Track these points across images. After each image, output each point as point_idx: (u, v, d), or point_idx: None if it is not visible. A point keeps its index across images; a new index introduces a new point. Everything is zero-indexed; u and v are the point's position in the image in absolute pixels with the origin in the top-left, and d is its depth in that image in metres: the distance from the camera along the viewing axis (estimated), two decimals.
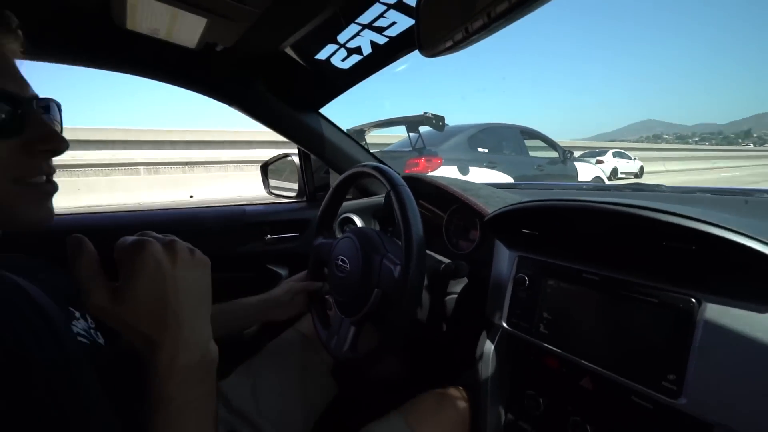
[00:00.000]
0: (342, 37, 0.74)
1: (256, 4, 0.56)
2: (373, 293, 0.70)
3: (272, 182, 1.37)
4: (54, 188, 0.43)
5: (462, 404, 0.72)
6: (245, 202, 1.17)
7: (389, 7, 0.64)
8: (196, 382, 0.36)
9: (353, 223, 1.10)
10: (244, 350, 1.15)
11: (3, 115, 0.36)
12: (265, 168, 1.37)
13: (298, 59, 0.84)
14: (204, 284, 0.39)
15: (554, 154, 5.47)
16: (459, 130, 4.70)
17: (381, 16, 0.66)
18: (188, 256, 0.37)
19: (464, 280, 0.80)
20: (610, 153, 15.02)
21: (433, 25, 0.47)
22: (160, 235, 0.38)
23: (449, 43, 0.46)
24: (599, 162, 13.05)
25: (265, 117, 0.96)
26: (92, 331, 0.56)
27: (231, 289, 1.11)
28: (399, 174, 0.71)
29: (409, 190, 0.66)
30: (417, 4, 0.47)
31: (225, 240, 1.09)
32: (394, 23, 0.67)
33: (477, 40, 0.44)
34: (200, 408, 0.36)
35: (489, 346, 0.70)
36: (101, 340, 0.58)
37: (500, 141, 4.98)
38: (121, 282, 0.34)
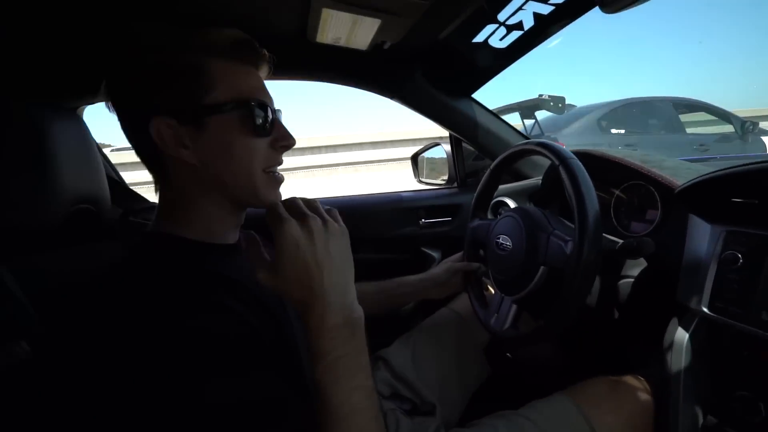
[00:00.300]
0: (502, 15, 0.74)
1: None
2: (539, 271, 0.69)
3: (422, 172, 1.45)
4: (282, 178, 0.55)
5: (643, 396, 0.65)
6: (402, 190, 1.28)
7: None
8: (345, 338, 0.40)
9: (507, 206, 1.09)
10: (401, 326, 1.25)
11: (263, 120, 0.48)
12: (416, 158, 1.46)
13: (455, 45, 0.87)
14: (341, 252, 0.42)
15: (728, 128, 4.22)
16: (587, 111, 4.00)
17: None
18: (322, 230, 0.42)
19: (642, 263, 0.72)
20: None
21: None
22: (302, 205, 0.43)
23: None
24: None
25: (422, 107, 1.03)
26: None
27: (388, 269, 1.22)
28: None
29: (579, 162, 0.63)
30: None
31: (384, 224, 1.21)
32: None
33: None
34: (352, 361, 0.40)
35: (682, 335, 0.61)
36: None
37: (644, 119, 4.08)
38: (275, 259, 0.41)
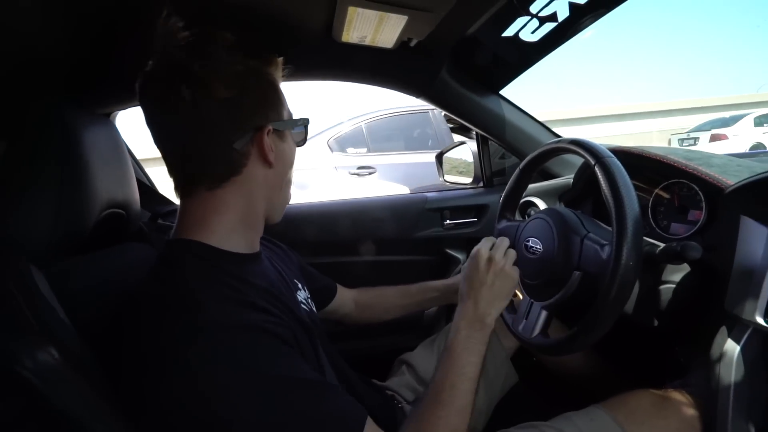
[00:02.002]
0: (535, 7, 0.71)
1: None
2: (572, 276, 0.65)
3: (447, 171, 1.43)
4: None
5: (689, 412, 0.61)
6: (426, 190, 1.26)
7: None
8: (476, 328, 0.60)
9: (536, 206, 1.05)
10: (425, 329, 1.24)
11: (303, 132, 0.59)
12: (440, 157, 1.43)
13: (484, 40, 0.85)
14: (501, 287, 0.63)
15: None
16: None
17: None
18: (500, 269, 0.63)
19: (684, 267, 0.67)
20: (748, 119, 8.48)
21: None
22: (506, 244, 0.68)
23: None
24: (716, 138, 7.76)
25: (449, 105, 1.01)
26: (309, 299, 0.70)
27: (412, 270, 1.21)
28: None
29: (617, 161, 0.59)
30: None
31: (408, 225, 1.19)
32: None
33: None
34: (475, 344, 0.59)
35: (732, 346, 0.57)
36: (314, 307, 0.71)
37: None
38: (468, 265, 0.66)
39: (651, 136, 10.43)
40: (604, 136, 9.43)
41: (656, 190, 0.79)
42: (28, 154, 0.53)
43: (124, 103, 0.88)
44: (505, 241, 0.68)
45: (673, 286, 0.67)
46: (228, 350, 0.42)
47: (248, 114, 0.51)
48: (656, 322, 0.70)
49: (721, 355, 0.58)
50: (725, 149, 6.90)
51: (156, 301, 0.47)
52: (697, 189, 0.69)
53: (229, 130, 0.50)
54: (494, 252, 0.65)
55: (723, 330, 0.60)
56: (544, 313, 0.71)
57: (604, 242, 0.60)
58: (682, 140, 8.10)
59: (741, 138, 7.79)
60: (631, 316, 0.71)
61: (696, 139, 7.95)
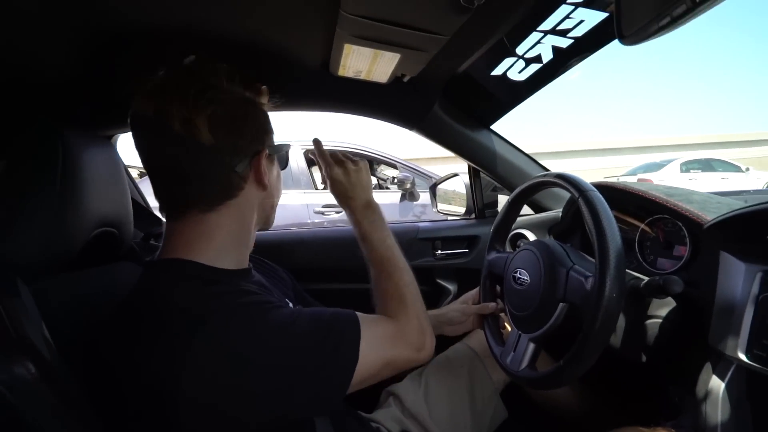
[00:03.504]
0: (521, 48, 0.75)
1: (446, 31, 0.63)
2: (558, 307, 0.66)
3: (440, 202, 1.45)
4: None
5: None
6: (418, 220, 1.27)
7: (577, 6, 0.62)
8: (370, 212, 0.69)
9: (525, 238, 1.06)
10: None
11: (285, 156, 0.65)
12: (434, 188, 1.46)
13: (474, 77, 0.89)
14: (360, 178, 0.70)
15: None
16: None
17: (567, 17, 0.65)
18: (350, 169, 0.70)
19: (670, 302, 0.68)
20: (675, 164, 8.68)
21: (636, 11, 0.44)
22: (340, 155, 0.72)
23: (653, 28, 0.43)
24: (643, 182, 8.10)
25: (441, 138, 1.04)
26: None
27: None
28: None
29: (600, 195, 0.61)
30: None
31: (408, 251, 1.19)
32: (581, 22, 0.65)
33: (683, 24, 0.40)
34: (380, 223, 0.69)
35: (717, 383, 0.57)
36: None
37: None
38: (330, 182, 0.71)
39: (588, 174, 10.94)
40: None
41: (642, 226, 0.81)
42: (26, 172, 0.54)
43: (126, 126, 0.91)
44: (337, 152, 0.74)
45: (660, 320, 0.67)
46: (227, 335, 0.45)
47: (248, 140, 0.54)
48: (644, 358, 0.70)
49: (707, 393, 0.57)
50: None
51: (148, 318, 0.47)
52: (681, 225, 0.71)
53: (231, 156, 0.52)
54: (339, 162, 0.71)
55: (708, 366, 0.59)
56: (531, 346, 0.71)
57: (589, 274, 0.61)
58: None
59: (666, 182, 7.74)
60: (619, 350, 0.71)
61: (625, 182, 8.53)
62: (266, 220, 0.63)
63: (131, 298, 0.51)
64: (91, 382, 0.46)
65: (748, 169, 8.58)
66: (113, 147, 0.67)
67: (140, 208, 1.02)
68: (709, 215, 0.64)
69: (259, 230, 0.62)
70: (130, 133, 0.98)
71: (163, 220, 1.03)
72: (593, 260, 0.71)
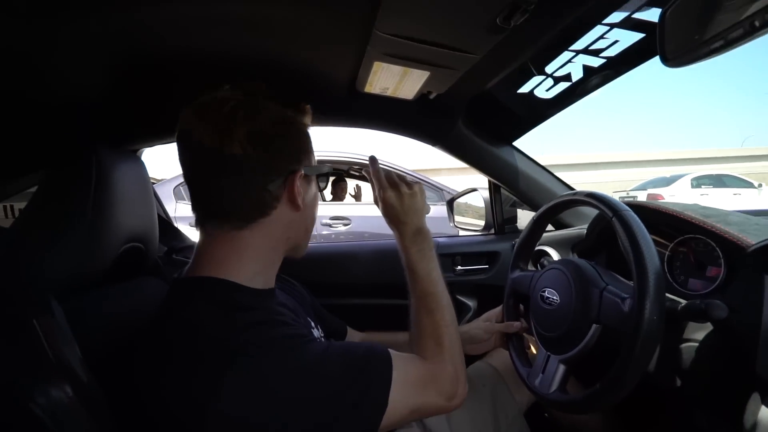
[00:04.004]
0: (551, 67, 0.75)
1: (478, 51, 0.63)
2: (591, 328, 0.64)
3: (457, 217, 1.44)
4: None
5: None
6: (438, 234, 1.26)
7: (612, 26, 0.62)
8: (420, 240, 0.66)
9: (549, 256, 1.04)
10: None
11: (326, 178, 0.63)
12: (451, 203, 1.45)
13: (499, 95, 0.89)
14: (415, 203, 0.67)
15: None
16: None
17: (601, 37, 0.65)
18: (405, 193, 0.67)
19: (707, 326, 0.66)
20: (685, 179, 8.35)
21: (683, 33, 0.44)
22: (394, 177, 0.69)
23: (704, 50, 0.42)
24: (653, 198, 7.31)
25: (464, 154, 1.04)
26: (322, 338, 0.70)
27: None
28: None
29: (634, 214, 0.60)
30: (662, 14, 0.45)
31: None
32: (615, 42, 0.64)
33: (737, 47, 0.40)
34: (428, 252, 0.66)
35: (766, 414, 0.54)
36: None
37: None
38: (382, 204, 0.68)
39: (601, 186, 10.96)
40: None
41: (671, 245, 0.79)
42: (62, 188, 0.55)
43: (153, 140, 0.92)
44: (392, 173, 0.71)
45: (696, 344, 0.65)
46: (262, 370, 0.44)
47: (282, 159, 0.54)
48: (678, 383, 0.67)
49: (755, 424, 0.55)
50: None
51: (181, 345, 0.46)
52: (714, 245, 0.69)
53: (265, 174, 0.52)
54: (393, 184, 0.69)
55: (756, 397, 0.57)
56: (562, 368, 0.69)
57: (625, 295, 0.60)
58: (622, 198, 8.23)
59: (676, 198, 7.68)
60: (652, 374, 0.69)
61: (634, 197, 7.94)
62: (297, 243, 0.61)
63: (161, 321, 0.50)
64: (120, 405, 0.46)
65: (761, 185, 8.29)
66: (140, 161, 0.68)
67: (163, 222, 1.03)
68: (750, 238, 0.62)
69: (289, 257, 0.61)
70: (154, 147, 1.00)
71: (185, 234, 1.04)
72: (626, 281, 0.70)
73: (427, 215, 0.71)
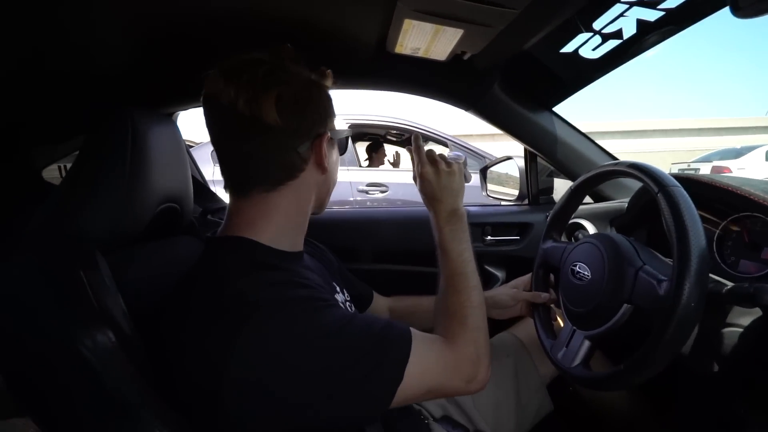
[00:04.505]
0: (599, 23, 0.68)
1: (517, 4, 0.58)
2: (622, 308, 0.62)
3: (491, 185, 1.39)
4: None
5: None
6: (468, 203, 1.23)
7: None
8: (455, 221, 0.66)
9: (584, 229, 1.00)
10: None
11: (345, 141, 0.64)
12: (485, 171, 1.40)
13: (540, 56, 0.82)
14: (452, 182, 0.67)
15: None
16: None
17: None
18: (443, 170, 0.67)
19: (755, 312, 0.61)
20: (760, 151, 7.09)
21: None
22: (435, 155, 0.69)
23: None
24: (718, 171, 6.51)
25: (499, 120, 0.98)
26: (347, 303, 0.71)
27: None
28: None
29: (683, 190, 0.55)
30: None
31: None
32: None
33: None
34: (461, 233, 0.66)
35: None
36: (352, 310, 0.72)
37: None
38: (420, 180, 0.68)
39: (654, 156, 10.02)
40: (620, 152, 9.44)
41: (723, 223, 0.73)
42: (101, 150, 0.57)
43: (186, 104, 0.94)
44: (433, 151, 0.70)
45: (740, 330, 0.61)
46: (279, 326, 0.45)
47: (311, 122, 0.54)
48: (716, 368, 0.64)
49: None
50: None
51: (204, 297, 0.49)
52: None
53: (294, 136, 0.53)
54: (433, 161, 0.68)
55: None
56: (586, 343, 0.67)
57: (663, 277, 0.56)
58: (682, 171, 7.18)
59: (747, 172, 6.63)
60: (686, 358, 0.66)
61: (696, 170, 7.04)
62: (321, 203, 0.63)
63: (191, 277, 0.53)
64: (154, 356, 0.49)
65: None
66: (175, 124, 0.69)
67: (198, 184, 1.07)
68: None
69: (312, 214, 0.62)
70: (187, 110, 1.03)
71: (219, 196, 1.08)
72: (667, 261, 0.65)
73: (467, 183, 0.70)
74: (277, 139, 0.52)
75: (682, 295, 0.49)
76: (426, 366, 0.52)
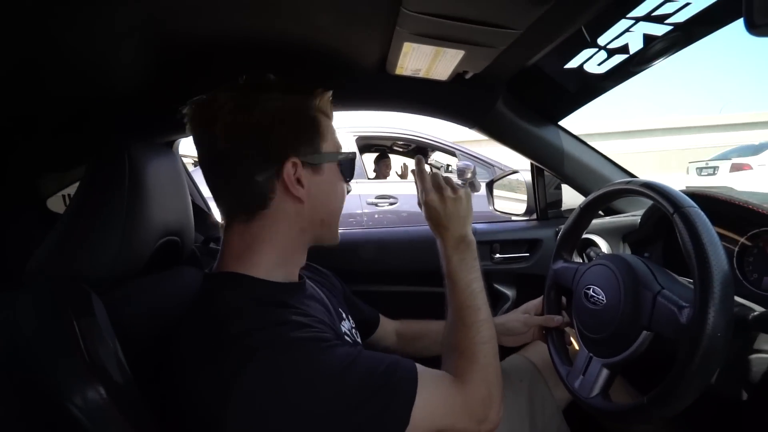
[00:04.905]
0: (604, 38, 0.66)
1: (519, 25, 0.56)
2: (641, 335, 0.59)
3: (498, 200, 1.37)
4: None
5: None
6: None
7: None
8: (462, 249, 0.63)
9: (596, 246, 0.96)
10: None
11: (352, 170, 0.61)
12: (491, 185, 1.38)
13: (544, 71, 0.80)
14: (459, 208, 0.64)
15: None
16: None
17: (667, 1, 0.55)
18: (449, 197, 0.64)
19: None
20: None
21: None
22: (440, 180, 0.66)
23: None
24: (737, 168, 6.24)
25: (504, 136, 0.97)
26: (353, 330, 0.69)
27: None
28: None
29: (700, 212, 0.53)
30: None
31: None
32: (686, 5, 0.55)
33: None
34: (470, 262, 0.63)
35: None
36: (359, 338, 0.70)
37: None
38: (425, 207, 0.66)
39: (669, 155, 9.88)
40: (621, 153, 9.30)
41: (742, 239, 0.70)
42: (98, 186, 0.56)
43: (185, 132, 0.94)
44: (437, 176, 0.68)
45: None
46: (279, 370, 0.44)
47: (274, 148, 0.53)
48: (745, 396, 0.61)
49: None
50: (748, 180, 5.84)
51: (203, 338, 0.47)
52: None
53: (254, 164, 0.52)
54: (438, 187, 0.66)
55: None
56: (605, 372, 0.64)
57: (684, 303, 0.53)
58: (700, 169, 6.91)
59: None
60: (713, 386, 0.62)
61: (715, 168, 6.67)
62: (319, 236, 0.59)
63: (192, 314, 0.52)
64: (156, 396, 0.48)
65: None
66: (174, 154, 0.69)
67: (199, 211, 1.06)
68: None
69: (323, 246, 0.60)
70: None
71: (220, 222, 1.07)
72: (687, 283, 0.62)
73: (476, 193, 0.68)
74: (240, 170, 0.52)
75: (707, 324, 0.47)
76: (434, 407, 0.49)
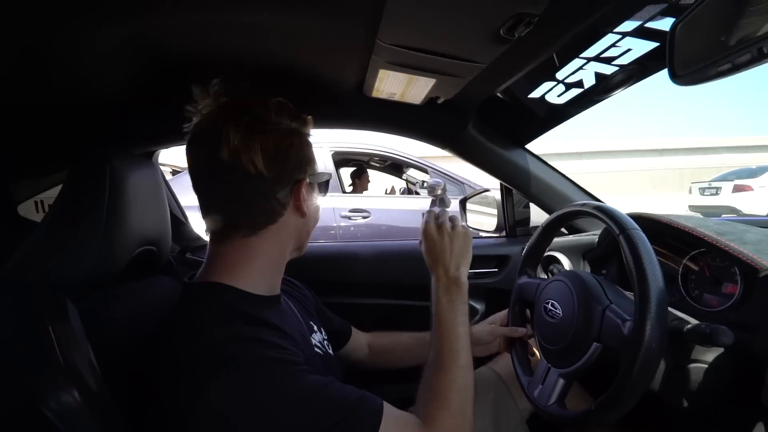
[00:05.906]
0: (561, 74, 0.72)
1: (483, 60, 0.62)
2: (591, 347, 0.63)
3: (470, 217, 1.42)
4: None
5: None
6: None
7: (624, 35, 0.60)
8: (454, 290, 0.64)
9: (559, 262, 1.02)
10: None
11: (325, 184, 0.64)
12: (464, 202, 1.44)
13: (509, 100, 0.86)
14: (458, 245, 0.66)
15: None
16: None
17: (613, 45, 0.62)
18: (450, 231, 0.66)
19: (718, 348, 0.63)
20: None
21: (691, 52, 0.41)
22: (442, 216, 0.68)
23: (712, 72, 0.40)
24: (740, 189, 6.76)
25: (474, 157, 1.02)
26: (324, 342, 0.71)
27: (428, 317, 1.19)
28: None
29: (642, 234, 0.58)
30: (672, 27, 0.42)
31: (426, 270, 1.18)
32: (628, 50, 0.62)
33: (744, 71, 0.37)
34: (460, 305, 0.63)
35: None
36: (330, 350, 0.71)
37: None
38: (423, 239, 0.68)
39: (666, 174, 10.27)
40: (624, 170, 9.73)
41: (685, 261, 0.76)
42: (79, 195, 0.57)
43: (166, 143, 0.95)
44: (444, 212, 0.71)
45: (705, 366, 0.63)
46: (248, 385, 0.44)
47: (290, 169, 0.56)
48: (686, 403, 0.66)
49: None
50: (750, 201, 6.36)
51: (178, 347, 0.48)
52: (731, 263, 0.66)
53: (273, 183, 0.54)
54: (440, 221, 0.68)
55: (760, 426, 0.55)
56: (561, 381, 0.68)
57: (627, 317, 0.58)
58: (703, 189, 7.37)
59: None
60: (657, 394, 0.68)
61: (718, 189, 7.12)
62: (300, 246, 0.63)
63: (169, 323, 0.52)
64: (130, 404, 0.48)
65: None
66: (154, 165, 0.70)
67: (177, 221, 1.06)
68: (765, 259, 0.59)
69: (292, 258, 0.62)
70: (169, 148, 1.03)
71: (200, 235, 1.07)
72: (632, 298, 0.68)
73: (447, 209, 0.71)
74: (257, 186, 0.53)
75: (644, 336, 0.51)
76: None
